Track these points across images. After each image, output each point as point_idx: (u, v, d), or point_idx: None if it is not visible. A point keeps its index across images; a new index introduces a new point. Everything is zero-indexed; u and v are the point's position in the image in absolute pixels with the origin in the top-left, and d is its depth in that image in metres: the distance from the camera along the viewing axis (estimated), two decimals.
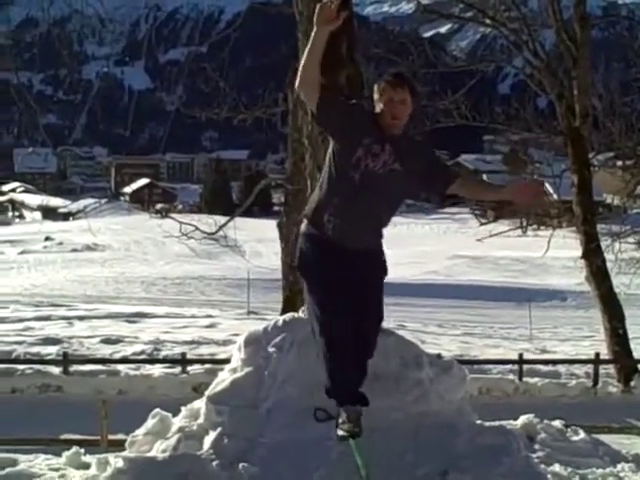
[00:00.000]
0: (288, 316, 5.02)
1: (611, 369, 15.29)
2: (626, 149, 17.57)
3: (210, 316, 22.76)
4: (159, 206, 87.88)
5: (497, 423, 5.13)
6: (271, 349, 4.74)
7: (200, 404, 4.77)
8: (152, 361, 15.22)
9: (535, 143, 20.07)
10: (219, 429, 4.40)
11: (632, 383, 14.55)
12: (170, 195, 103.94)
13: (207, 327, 20.41)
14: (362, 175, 3.99)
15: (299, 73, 4.05)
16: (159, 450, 4.37)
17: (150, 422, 4.76)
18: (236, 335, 18.25)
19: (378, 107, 4.03)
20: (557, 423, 6.98)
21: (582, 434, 6.84)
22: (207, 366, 14.36)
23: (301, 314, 5.05)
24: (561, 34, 15.31)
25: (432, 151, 4.34)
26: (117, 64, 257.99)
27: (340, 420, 3.98)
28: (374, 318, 4.26)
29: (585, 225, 14.99)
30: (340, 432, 3.95)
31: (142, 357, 15.80)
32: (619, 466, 6.26)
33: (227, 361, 14.55)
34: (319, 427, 4.40)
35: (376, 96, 4.05)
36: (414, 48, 15.37)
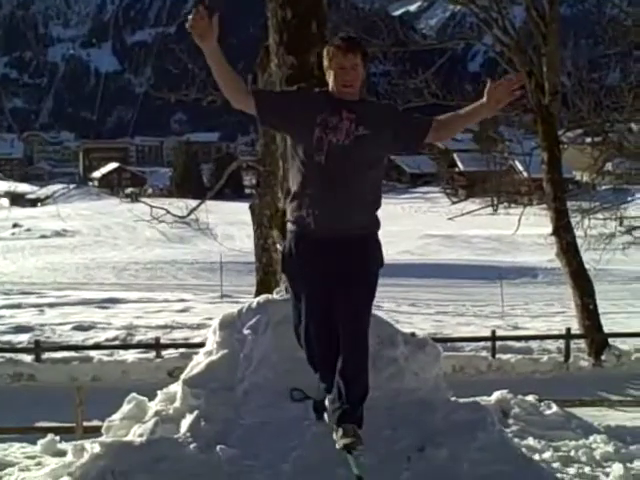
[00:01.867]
0: (262, 298, 5.01)
1: (582, 344, 15.51)
2: (595, 126, 17.73)
3: (183, 300, 22.67)
4: (129, 190, 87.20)
5: (472, 399, 5.19)
6: (246, 331, 4.74)
7: (176, 388, 4.76)
8: (126, 346, 15.14)
9: (505, 121, 20.09)
10: (196, 412, 4.39)
11: (602, 357, 14.78)
12: (140, 179, 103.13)
13: (180, 311, 20.33)
14: (328, 154, 3.71)
15: (226, 94, 3.76)
16: (136, 434, 4.35)
17: (126, 407, 4.74)
18: (210, 319, 18.24)
19: (328, 74, 3.78)
20: (530, 398, 7.09)
21: (555, 408, 6.95)
22: (181, 350, 14.32)
23: (275, 296, 5.05)
24: (530, 11, 15.35)
25: (396, 107, 4.12)
26: (83, 46, 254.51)
27: (338, 435, 3.80)
28: (360, 317, 3.89)
29: (555, 202, 15.12)
30: (338, 445, 3.79)
31: (115, 343, 15.70)
32: (591, 438, 6.37)
33: (201, 345, 14.53)
34: (296, 407, 4.43)
35: (325, 63, 3.79)
36: (384, 26, 15.32)
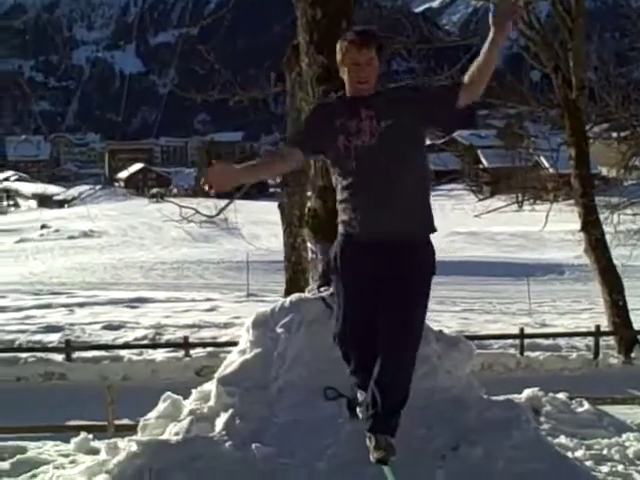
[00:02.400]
0: (295, 296, 5.03)
1: (611, 341, 15.39)
2: (623, 120, 17.56)
3: (210, 299, 22.79)
4: (154, 191, 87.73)
5: (504, 397, 5.18)
6: (279, 330, 4.76)
7: (210, 386, 4.80)
8: (154, 346, 15.27)
9: (530, 117, 19.97)
10: (230, 410, 4.42)
11: (632, 354, 14.65)
12: (165, 179, 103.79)
13: (208, 310, 20.45)
14: (357, 159, 3.60)
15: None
16: (171, 433, 4.39)
17: (161, 405, 4.79)
18: (237, 318, 18.42)
19: (342, 70, 3.66)
20: (561, 395, 7.06)
21: (586, 405, 6.92)
22: (209, 349, 14.43)
23: (308, 294, 5.07)
24: (556, 5, 15.23)
25: (415, 86, 3.87)
26: (107, 48, 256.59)
27: (371, 445, 3.72)
28: (404, 326, 3.68)
29: (584, 198, 15.01)
30: (372, 458, 3.71)
31: (144, 342, 15.83)
32: (624, 436, 6.33)
33: (229, 344, 14.74)
34: (329, 406, 4.44)
35: (339, 57, 3.64)
36: (408, 23, 15.27)
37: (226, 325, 17.75)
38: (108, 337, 16.33)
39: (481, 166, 69.03)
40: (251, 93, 12.73)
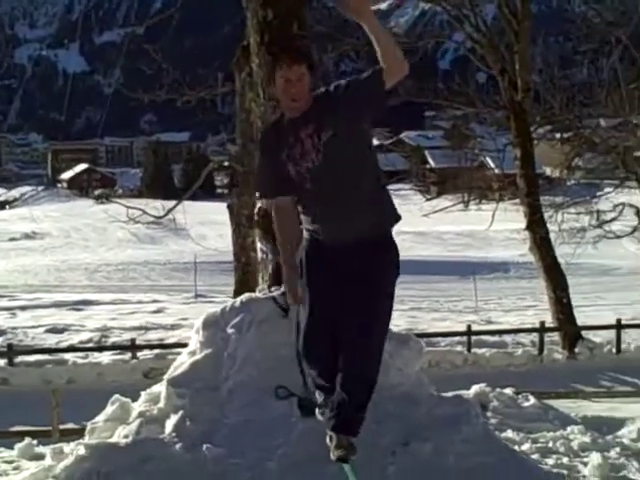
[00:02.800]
0: (245, 296, 5.01)
1: (556, 337, 15.71)
2: (567, 121, 17.95)
3: (157, 301, 22.57)
4: (99, 191, 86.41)
5: (453, 393, 5.24)
6: (230, 330, 4.74)
7: (160, 388, 4.75)
8: (100, 348, 15.05)
9: (476, 118, 20.29)
10: (180, 412, 4.38)
11: (576, 349, 14.98)
12: (109, 180, 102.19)
13: (154, 312, 20.26)
14: (311, 180, 3.64)
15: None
16: (120, 435, 4.33)
17: (110, 408, 4.72)
18: (184, 319, 18.27)
19: (275, 90, 3.72)
20: (508, 391, 7.19)
21: (532, 400, 7.05)
22: (157, 351, 14.27)
23: (258, 294, 5.05)
24: (502, 8, 15.48)
25: (339, 83, 3.62)
26: (51, 47, 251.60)
27: (332, 444, 3.73)
28: (370, 327, 3.71)
29: (529, 197, 15.29)
30: (333, 456, 3.73)
31: (90, 345, 15.59)
32: (569, 429, 6.46)
33: (177, 345, 14.54)
34: (281, 405, 4.43)
35: (272, 74, 3.70)
36: (357, 25, 15.31)
37: (173, 327, 17.61)
38: (52, 340, 16.03)
39: (428, 166, 69.84)
40: (199, 93, 12.62)
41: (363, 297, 3.66)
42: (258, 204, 5.34)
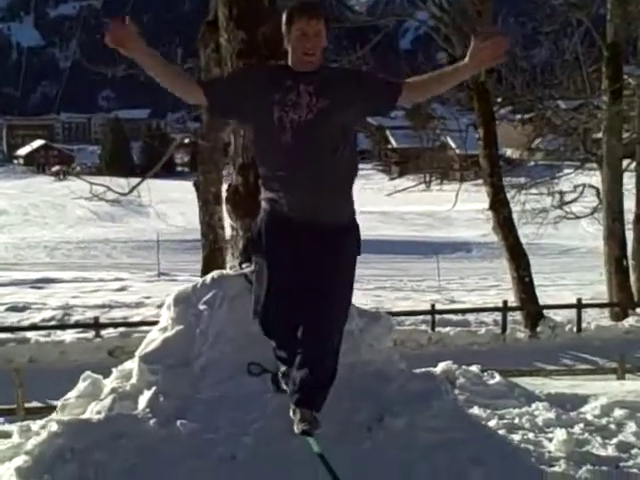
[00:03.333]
0: (216, 273, 4.99)
1: (518, 316, 15.96)
2: (528, 102, 18.11)
3: (120, 279, 22.41)
4: (56, 168, 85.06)
5: (423, 370, 5.31)
6: (202, 306, 4.72)
7: (131, 365, 4.72)
8: (64, 326, 14.90)
9: (439, 99, 20.35)
10: (154, 388, 4.37)
11: (538, 328, 15.24)
12: (67, 157, 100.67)
13: (117, 290, 20.12)
14: (293, 133, 3.47)
15: (174, 92, 3.59)
16: (93, 412, 4.30)
17: (81, 385, 4.68)
18: (148, 297, 18.17)
19: (287, 41, 3.53)
20: (474, 368, 7.29)
21: (498, 377, 7.16)
22: (121, 329, 14.18)
23: (229, 271, 5.04)
24: None
25: (360, 70, 3.74)
26: (3, 20, 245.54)
27: (296, 418, 3.73)
28: (332, 304, 3.71)
29: (492, 177, 15.43)
30: (297, 430, 3.73)
31: (52, 323, 15.43)
32: (533, 405, 6.58)
33: (142, 323, 14.41)
34: (254, 381, 4.44)
35: (284, 29, 3.52)
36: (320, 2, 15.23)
37: (138, 305, 17.51)
38: (13, 319, 15.85)
39: (390, 146, 69.94)
40: None
41: (327, 276, 3.65)
42: (229, 180, 5.31)
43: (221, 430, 4.16)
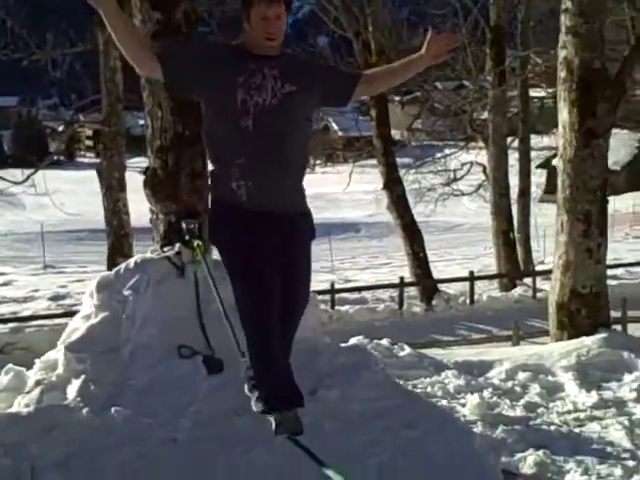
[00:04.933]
0: (139, 257, 4.91)
1: (413, 291, 16.44)
2: (411, 84, 18.58)
3: (3, 273, 21.50)
4: None
5: (350, 343, 5.44)
6: (127, 292, 4.65)
7: (55, 355, 4.61)
8: None
9: None
10: (82, 377, 4.27)
11: (434, 302, 15.76)
12: None
13: (2, 285, 19.34)
14: (255, 117, 3.38)
15: (129, 59, 3.42)
16: (21, 405, 4.17)
17: (4, 378, 4.52)
18: (36, 291, 17.53)
19: (246, 25, 3.42)
20: (384, 342, 7.53)
21: (407, 349, 7.44)
22: (11, 325, 13.59)
23: (151, 255, 4.97)
24: None
25: (321, 62, 3.75)
26: None
27: (275, 422, 3.57)
28: (304, 291, 3.81)
29: (385, 157, 15.77)
30: (280, 434, 3.60)
31: None
32: (443, 374, 6.90)
33: (34, 318, 13.85)
34: (185, 364, 4.42)
35: (244, 11, 3.39)
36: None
37: (26, 299, 16.89)
38: None
39: None
40: (49, 53, 11.94)
41: (298, 266, 3.70)
42: (147, 163, 5.22)
43: (157, 414, 4.13)
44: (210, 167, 3.69)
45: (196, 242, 4.89)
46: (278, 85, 3.40)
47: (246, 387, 3.74)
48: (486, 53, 17.07)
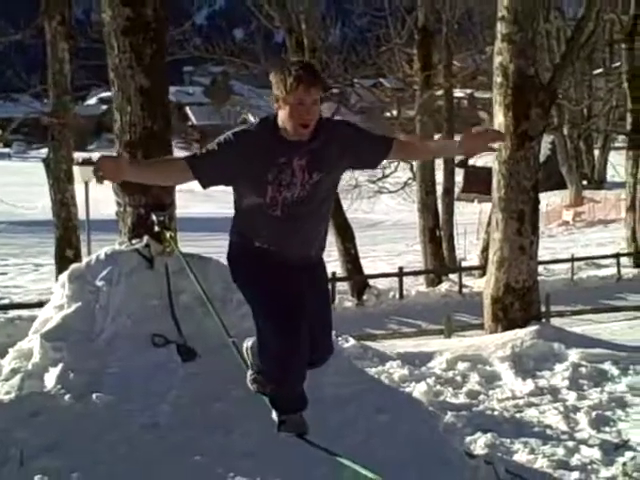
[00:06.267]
0: (109, 249, 5.03)
1: (344, 286, 16.72)
2: (341, 80, 18.90)
3: None
4: None
5: None
6: (99, 282, 4.76)
7: (27, 344, 4.67)
8: None
9: (236, 75, 20.60)
10: (60, 365, 4.36)
11: (364, 297, 16.08)
12: None
13: None
14: (283, 208, 3.34)
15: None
16: (2, 392, 4.22)
17: None
18: None
19: (279, 106, 3.22)
20: None
21: (352, 341, 7.67)
22: None
23: (120, 247, 5.06)
24: None
25: (356, 128, 3.50)
26: None
27: (279, 420, 3.65)
28: (330, 326, 3.79)
29: None
30: (285, 433, 3.64)
31: None
32: (388, 364, 7.19)
33: None
34: (160, 352, 4.56)
35: (277, 92, 3.19)
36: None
37: None
38: None
39: (190, 123, 69.22)
40: None
41: (324, 300, 3.78)
42: (118, 150, 5.27)
43: (137, 400, 4.25)
44: (236, 223, 3.62)
45: (168, 233, 5.04)
46: (306, 177, 3.34)
47: (252, 386, 3.84)
48: (411, 54, 17.48)
